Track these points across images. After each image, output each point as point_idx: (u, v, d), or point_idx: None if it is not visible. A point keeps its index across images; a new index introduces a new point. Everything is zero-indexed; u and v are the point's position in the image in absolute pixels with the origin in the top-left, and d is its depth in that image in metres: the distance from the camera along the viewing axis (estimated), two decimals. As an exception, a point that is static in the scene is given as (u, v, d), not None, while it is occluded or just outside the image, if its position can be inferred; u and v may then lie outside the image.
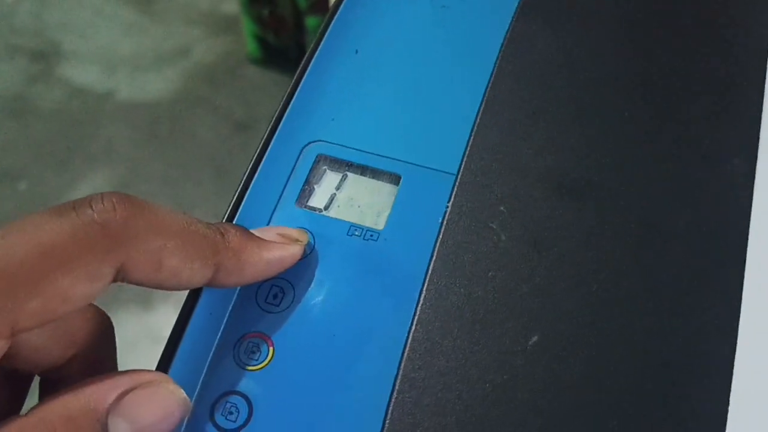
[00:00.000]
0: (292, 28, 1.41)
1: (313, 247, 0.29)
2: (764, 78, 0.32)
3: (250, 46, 1.48)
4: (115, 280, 0.22)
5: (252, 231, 0.28)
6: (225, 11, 1.60)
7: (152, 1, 1.63)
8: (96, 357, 0.27)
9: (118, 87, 1.50)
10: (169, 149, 1.43)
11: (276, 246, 0.27)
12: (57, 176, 1.38)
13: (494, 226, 0.28)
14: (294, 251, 0.28)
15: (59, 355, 0.26)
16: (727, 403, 0.25)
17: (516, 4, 0.35)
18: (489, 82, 0.32)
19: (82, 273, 0.21)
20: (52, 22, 1.60)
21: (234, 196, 0.31)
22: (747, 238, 0.28)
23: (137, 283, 0.23)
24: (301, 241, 0.28)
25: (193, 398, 0.27)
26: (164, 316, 1.21)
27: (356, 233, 0.29)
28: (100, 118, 1.46)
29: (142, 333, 1.19)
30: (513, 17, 0.34)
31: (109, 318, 0.28)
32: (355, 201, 0.31)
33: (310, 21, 1.35)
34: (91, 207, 0.22)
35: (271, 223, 0.30)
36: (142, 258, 0.22)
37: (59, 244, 0.21)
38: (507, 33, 0.34)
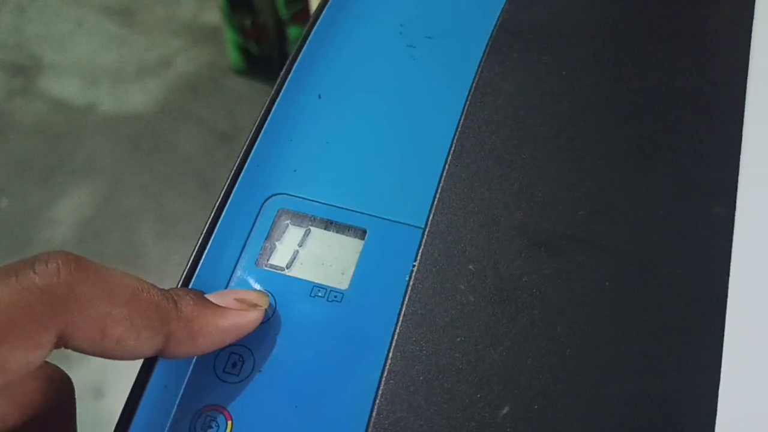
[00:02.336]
0: (274, 38, 1.40)
1: (275, 309, 0.28)
2: (742, 118, 0.31)
3: (233, 56, 1.46)
4: (57, 347, 0.21)
5: (209, 296, 0.26)
6: (207, 22, 1.59)
7: (133, 13, 1.61)
8: (56, 418, 0.26)
9: (100, 100, 1.48)
10: (152, 162, 1.41)
11: (232, 313, 0.26)
12: (39, 192, 1.36)
13: (463, 287, 0.27)
14: (252, 318, 0.26)
15: (16, 418, 0.24)
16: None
17: (485, 43, 0.33)
18: (457, 128, 0.31)
19: (19, 341, 0.20)
20: (31, 35, 1.58)
21: (191, 255, 0.29)
22: (727, 294, 0.27)
23: (80, 351, 0.22)
24: (260, 306, 0.27)
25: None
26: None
27: (319, 294, 0.28)
28: (82, 131, 1.44)
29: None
30: (482, 58, 0.33)
31: (67, 376, 0.26)
32: (319, 258, 0.29)
33: (293, 31, 1.33)
34: (34, 270, 0.21)
35: (230, 285, 0.29)
36: (84, 325, 0.21)
37: None
38: (476, 75, 0.32)
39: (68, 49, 1.55)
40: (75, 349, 0.22)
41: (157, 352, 0.24)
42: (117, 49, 1.55)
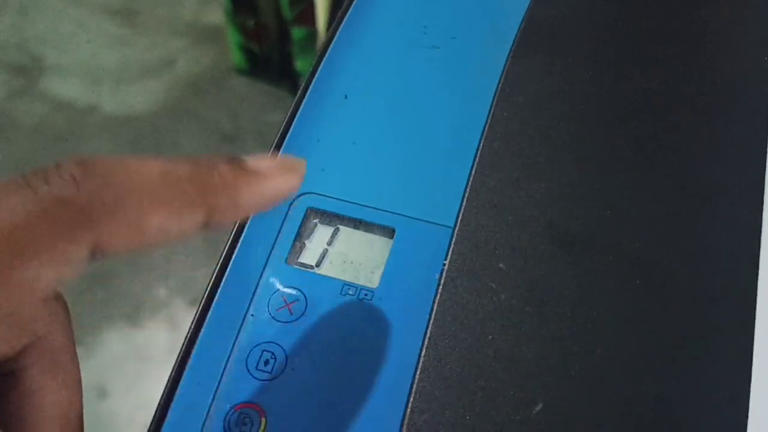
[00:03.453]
0: (276, 38, 1.40)
1: (306, 307, 0.28)
2: (766, 124, 0.31)
3: (235, 56, 1.46)
4: (93, 259, 0.19)
5: (245, 160, 0.24)
6: (209, 22, 1.59)
7: (135, 13, 1.61)
8: (52, 344, 0.23)
9: (102, 100, 1.48)
10: (154, 162, 1.40)
11: (272, 177, 0.24)
12: (41, 192, 1.35)
13: (493, 286, 0.27)
14: (292, 183, 0.24)
15: (10, 346, 0.21)
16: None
17: (509, 44, 0.34)
18: (484, 129, 0.31)
19: (49, 257, 0.18)
20: (33, 36, 1.58)
21: (222, 253, 0.29)
22: (756, 290, 0.27)
23: (121, 254, 0.20)
24: (299, 171, 0.24)
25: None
26: (152, 333, 1.19)
27: (350, 292, 0.28)
28: (84, 132, 1.44)
29: (129, 351, 1.17)
30: (507, 59, 0.33)
31: (62, 298, 0.24)
32: (348, 257, 0.29)
33: (296, 31, 1.33)
34: (47, 181, 0.19)
35: (261, 282, 0.29)
36: (119, 229, 0.19)
37: (19, 226, 0.18)
38: (501, 76, 0.33)
39: (70, 50, 1.55)
40: (115, 255, 0.20)
41: (201, 228, 0.22)
42: (119, 49, 1.55)
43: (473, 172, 0.30)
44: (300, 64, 1.36)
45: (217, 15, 1.54)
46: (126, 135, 1.43)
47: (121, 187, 0.19)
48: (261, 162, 0.24)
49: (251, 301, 0.28)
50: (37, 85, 1.50)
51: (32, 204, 0.18)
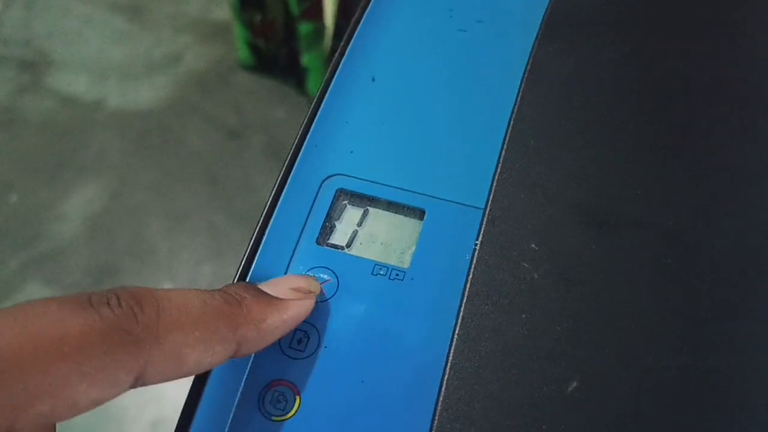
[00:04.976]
0: (283, 34, 1.40)
1: (338, 287, 0.28)
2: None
3: (242, 52, 1.46)
4: (132, 387, 0.21)
5: (263, 287, 0.26)
6: (216, 18, 1.59)
7: (142, 9, 1.61)
8: None
9: (109, 96, 1.48)
10: (160, 158, 1.41)
11: (292, 304, 0.26)
12: (48, 188, 1.36)
13: (526, 265, 0.27)
14: (309, 305, 0.27)
15: None
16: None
17: (537, 25, 0.34)
18: (513, 111, 0.31)
19: (100, 379, 0.19)
20: (40, 32, 1.58)
21: (253, 234, 0.29)
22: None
23: (157, 383, 0.21)
24: (313, 292, 0.27)
25: (219, 453, 0.26)
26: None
27: (381, 272, 0.28)
28: (91, 128, 1.44)
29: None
30: (535, 41, 0.33)
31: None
32: (378, 238, 0.29)
33: (303, 27, 1.33)
34: (110, 307, 0.20)
35: (292, 262, 0.29)
36: (162, 361, 0.21)
37: (80, 344, 0.19)
38: (529, 58, 0.33)
39: (76, 46, 1.55)
40: (151, 384, 0.21)
41: (230, 358, 0.24)
42: (125, 45, 1.55)
43: (503, 153, 0.30)
44: (306, 60, 1.36)
45: (223, 11, 1.54)
46: (132, 130, 1.43)
47: (170, 322, 0.21)
48: (278, 287, 0.26)
49: (283, 281, 0.28)
50: (44, 81, 1.50)
51: (97, 325, 0.19)
